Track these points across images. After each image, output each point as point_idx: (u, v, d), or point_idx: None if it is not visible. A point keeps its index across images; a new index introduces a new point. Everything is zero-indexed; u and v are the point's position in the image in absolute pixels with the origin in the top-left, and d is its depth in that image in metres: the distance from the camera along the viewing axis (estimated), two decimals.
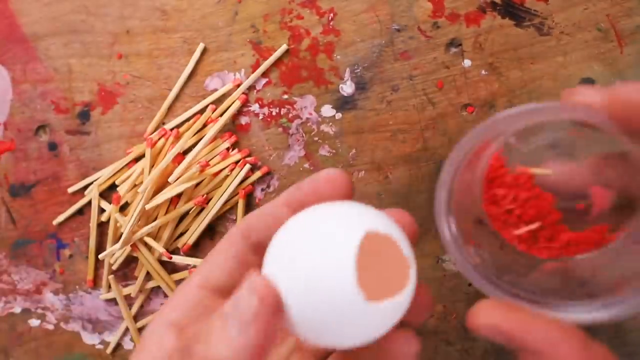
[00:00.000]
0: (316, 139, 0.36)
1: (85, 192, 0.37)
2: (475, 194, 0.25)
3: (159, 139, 0.36)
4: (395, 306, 0.22)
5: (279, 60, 0.35)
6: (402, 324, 0.23)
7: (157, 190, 0.36)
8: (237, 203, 0.36)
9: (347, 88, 0.35)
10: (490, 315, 0.22)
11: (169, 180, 0.35)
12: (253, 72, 0.35)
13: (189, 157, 0.35)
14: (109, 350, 0.38)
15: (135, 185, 0.36)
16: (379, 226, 0.21)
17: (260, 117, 0.36)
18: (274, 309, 0.21)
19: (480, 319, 0.22)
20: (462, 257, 0.21)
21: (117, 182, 0.37)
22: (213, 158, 0.36)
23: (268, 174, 0.36)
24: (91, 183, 0.37)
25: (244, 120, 0.36)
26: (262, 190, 0.36)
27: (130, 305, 0.38)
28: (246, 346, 0.21)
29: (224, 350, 0.21)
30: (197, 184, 0.36)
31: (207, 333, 0.22)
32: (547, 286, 0.22)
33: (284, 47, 0.35)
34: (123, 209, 0.37)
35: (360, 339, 0.22)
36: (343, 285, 0.20)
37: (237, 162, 0.36)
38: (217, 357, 0.21)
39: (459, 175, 0.22)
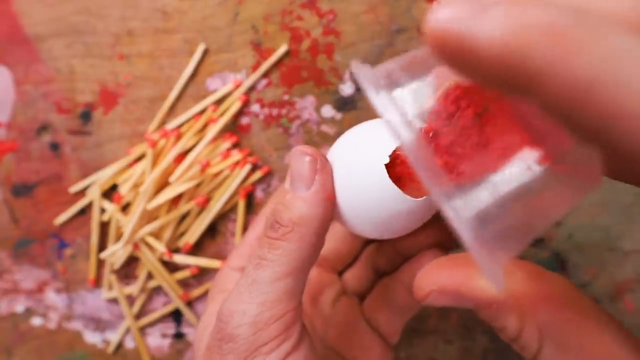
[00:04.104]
0: (316, 139, 0.36)
1: (87, 192, 0.38)
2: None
3: (160, 138, 0.36)
4: (423, 204, 0.24)
5: (279, 61, 0.35)
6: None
7: (158, 190, 0.36)
8: (237, 203, 0.36)
9: (347, 89, 0.35)
10: (435, 279, 0.22)
11: (170, 180, 0.35)
12: (253, 73, 0.35)
13: (190, 157, 0.35)
14: (110, 350, 0.38)
15: (136, 185, 0.36)
16: None
17: (261, 117, 0.36)
18: (324, 159, 0.25)
19: (425, 286, 0.22)
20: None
21: (118, 182, 0.37)
22: (214, 158, 0.36)
23: (269, 174, 0.36)
24: (93, 183, 0.37)
25: (244, 120, 0.36)
26: (263, 190, 0.37)
27: (131, 305, 0.38)
28: (315, 195, 0.24)
29: (302, 207, 0.24)
30: (198, 184, 0.36)
31: (284, 206, 0.24)
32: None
33: (284, 47, 0.35)
34: (124, 208, 0.37)
35: (392, 232, 0.26)
36: (379, 184, 0.24)
37: (237, 162, 0.36)
38: (300, 215, 0.24)
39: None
